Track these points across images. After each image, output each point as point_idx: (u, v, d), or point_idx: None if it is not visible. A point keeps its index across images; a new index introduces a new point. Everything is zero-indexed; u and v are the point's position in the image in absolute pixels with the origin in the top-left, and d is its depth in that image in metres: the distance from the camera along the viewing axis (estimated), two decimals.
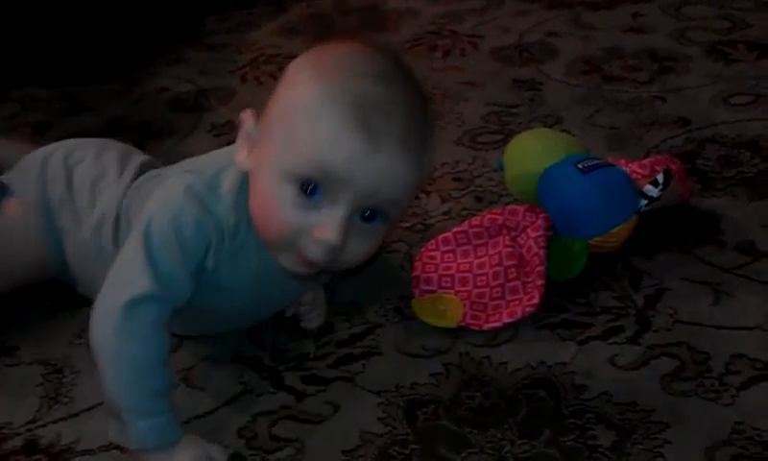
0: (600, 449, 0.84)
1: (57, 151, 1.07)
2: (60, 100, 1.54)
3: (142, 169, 1.04)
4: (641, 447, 0.84)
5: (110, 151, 1.06)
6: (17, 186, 1.06)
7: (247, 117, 0.89)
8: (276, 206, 0.84)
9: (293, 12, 1.81)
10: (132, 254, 0.86)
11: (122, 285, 0.85)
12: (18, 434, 0.92)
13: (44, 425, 0.93)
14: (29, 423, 0.94)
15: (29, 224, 1.03)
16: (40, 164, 1.06)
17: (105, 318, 0.84)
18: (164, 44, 1.70)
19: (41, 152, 1.08)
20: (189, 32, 1.76)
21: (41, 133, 1.45)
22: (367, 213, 0.84)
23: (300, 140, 0.82)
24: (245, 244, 0.89)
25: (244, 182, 0.88)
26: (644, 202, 1.05)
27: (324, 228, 0.82)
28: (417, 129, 0.84)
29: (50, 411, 0.94)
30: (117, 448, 0.89)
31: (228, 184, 0.89)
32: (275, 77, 1.51)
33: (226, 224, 0.88)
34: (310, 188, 0.82)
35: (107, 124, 1.47)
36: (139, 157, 1.06)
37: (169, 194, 0.88)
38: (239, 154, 0.89)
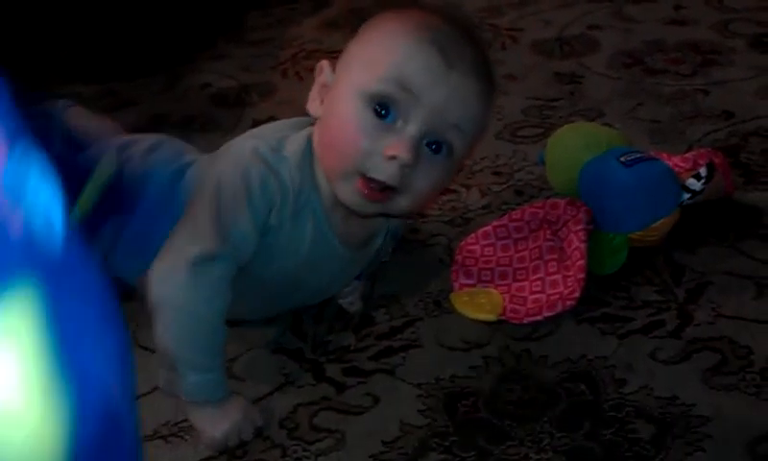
0: (640, 443, 0.84)
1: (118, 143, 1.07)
2: (104, 96, 1.56)
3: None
4: (682, 440, 0.84)
5: (163, 149, 1.05)
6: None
7: (324, 65, 0.93)
8: (350, 127, 0.88)
9: (334, 7, 1.82)
10: (200, 210, 0.89)
11: (189, 241, 0.87)
12: None
13: None
14: None
15: None
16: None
17: (170, 272, 0.87)
18: (207, 40, 1.72)
19: (118, 141, 1.08)
20: (231, 28, 1.77)
21: None
22: (434, 145, 0.89)
23: (378, 60, 0.88)
24: (306, 205, 0.92)
25: (309, 146, 0.93)
26: (687, 195, 1.04)
27: (397, 145, 0.86)
28: (486, 66, 0.92)
29: None
30: (170, 433, 0.91)
31: (292, 147, 0.92)
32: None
33: (290, 183, 0.91)
34: (384, 111, 0.87)
35: (150, 119, 1.49)
36: (189, 157, 1.04)
37: (235, 155, 0.92)
38: (312, 103, 0.93)
